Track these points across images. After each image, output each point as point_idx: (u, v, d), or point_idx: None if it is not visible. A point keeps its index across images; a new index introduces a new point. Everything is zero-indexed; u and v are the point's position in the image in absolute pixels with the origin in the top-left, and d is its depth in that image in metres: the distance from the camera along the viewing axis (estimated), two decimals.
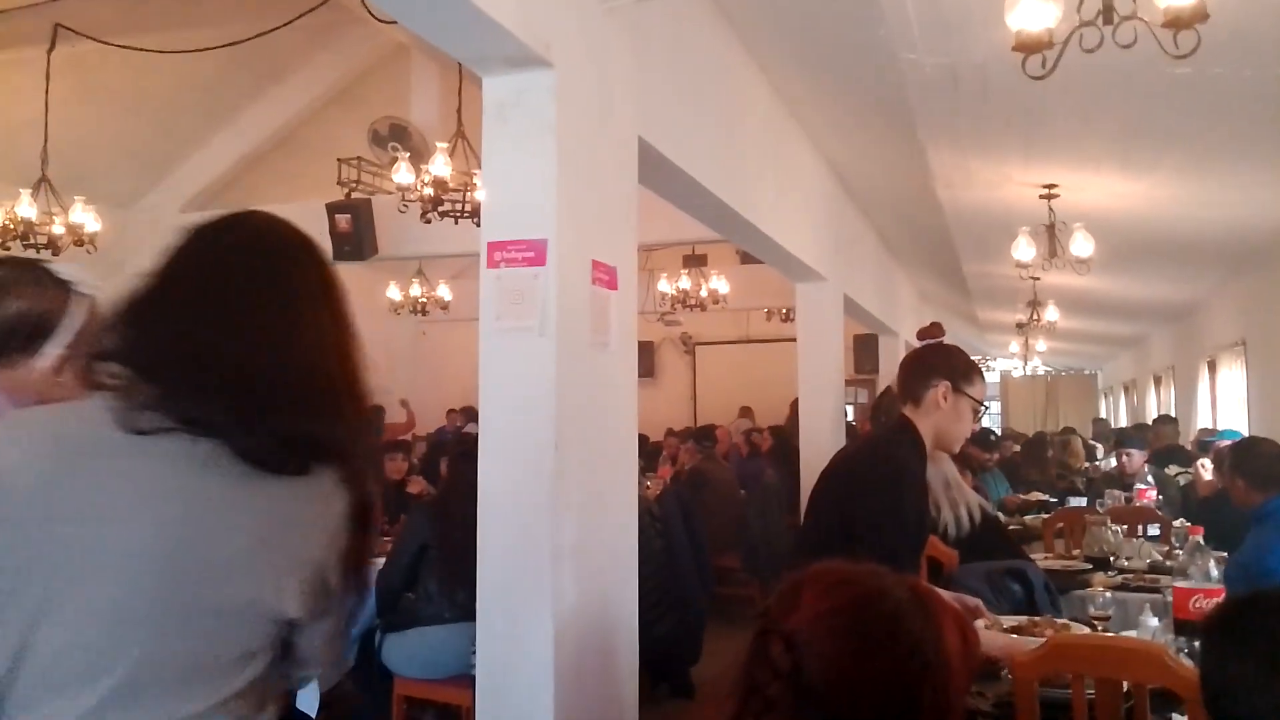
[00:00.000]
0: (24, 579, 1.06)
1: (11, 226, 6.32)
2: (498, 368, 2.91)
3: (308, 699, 3.31)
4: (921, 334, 2.49)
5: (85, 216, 6.65)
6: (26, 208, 6.35)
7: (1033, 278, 7.30)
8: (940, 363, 2.38)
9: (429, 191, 5.65)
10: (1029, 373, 17.37)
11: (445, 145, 5.75)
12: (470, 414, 11.64)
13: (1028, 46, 2.33)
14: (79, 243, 6.61)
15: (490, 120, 2.98)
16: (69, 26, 6.22)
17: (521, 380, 2.85)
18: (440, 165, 5.63)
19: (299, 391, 1.18)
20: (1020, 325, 9.30)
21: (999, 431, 9.55)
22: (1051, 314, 8.67)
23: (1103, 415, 16.99)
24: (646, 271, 10.93)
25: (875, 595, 1.11)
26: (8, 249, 6.37)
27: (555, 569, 2.77)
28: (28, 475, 1.07)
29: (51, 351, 1.41)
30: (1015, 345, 12.88)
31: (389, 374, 12.07)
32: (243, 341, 1.17)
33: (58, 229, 6.51)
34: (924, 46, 3.71)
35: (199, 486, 1.13)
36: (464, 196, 5.78)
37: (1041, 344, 12.62)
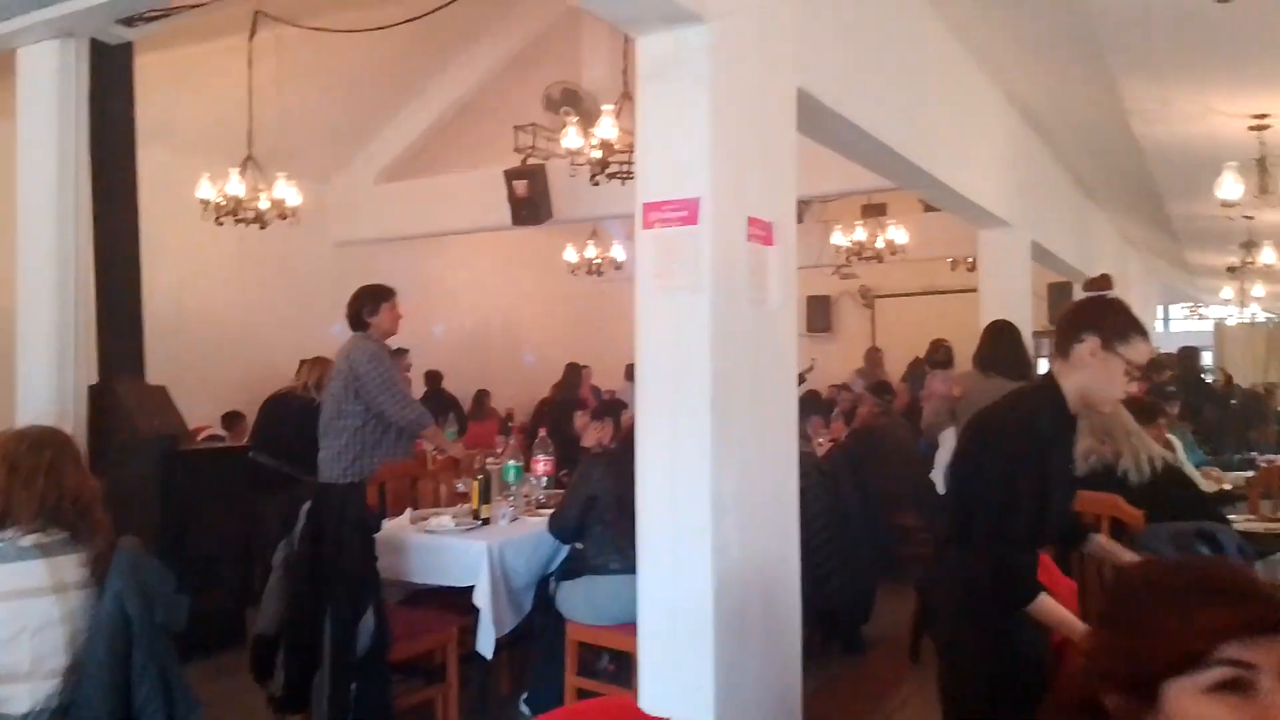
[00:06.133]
0: None
1: (223, 203, 6.86)
2: (655, 326, 2.95)
3: (485, 641, 3.53)
4: (1088, 285, 2.33)
5: (288, 191, 7.12)
6: (236, 185, 6.87)
7: (1245, 216, 6.71)
8: (1095, 318, 2.23)
9: (597, 154, 5.73)
10: (1246, 320, 15.95)
11: (610, 108, 5.81)
12: (629, 372, 11.79)
13: None
14: (283, 216, 7.11)
15: (646, 80, 3.00)
16: (267, 12, 6.65)
17: (679, 338, 2.88)
18: (606, 128, 5.70)
19: None
20: (1232, 269, 8.56)
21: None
22: (1268, 256, 7.93)
23: None
24: (822, 224, 10.70)
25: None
26: (220, 223, 6.92)
27: (716, 523, 2.80)
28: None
29: None
30: (1229, 291, 11.86)
31: (571, 334, 12.42)
32: None
33: (263, 204, 7.02)
34: None
35: None
36: (630, 158, 5.83)
37: (1259, 288, 11.57)
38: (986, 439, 2.26)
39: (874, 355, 10.81)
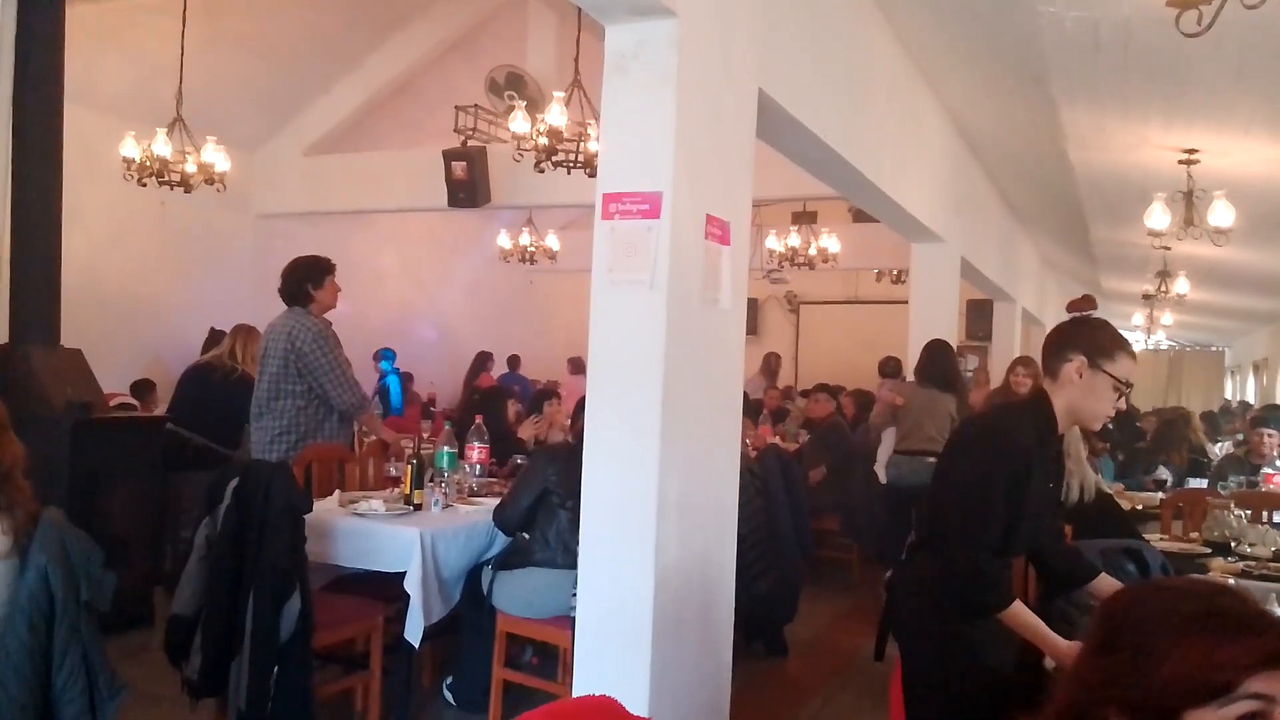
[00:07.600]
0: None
1: (148, 163, 6.59)
2: (608, 320, 2.91)
3: (413, 629, 3.45)
4: (1071, 306, 2.36)
5: (216, 156, 6.88)
6: (162, 146, 6.61)
7: (1164, 247, 6.96)
8: (1080, 337, 2.25)
9: (544, 141, 5.67)
10: (1151, 347, 16.61)
11: (561, 95, 5.75)
12: (579, 365, 11.74)
13: (1183, 1, 2.18)
14: (209, 181, 6.87)
15: (611, 70, 2.95)
16: None
17: (631, 333, 2.85)
18: (556, 115, 5.64)
19: None
20: (1147, 297, 8.87)
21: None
22: (1181, 286, 8.25)
23: (1228, 395, 16.22)
24: (755, 227, 10.76)
25: None
26: (144, 184, 6.65)
27: (660, 523, 2.78)
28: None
29: None
30: (1139, 317, 12.31)
31: (498, 321, 12.28)
32: None
33: (190, 167, 6.77)
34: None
35: None
36: (578, 147, 5.79)
37: (1168, 317, 12.04)
38: (967, 447, 2.30)
39: (772, 360, 10.98)
